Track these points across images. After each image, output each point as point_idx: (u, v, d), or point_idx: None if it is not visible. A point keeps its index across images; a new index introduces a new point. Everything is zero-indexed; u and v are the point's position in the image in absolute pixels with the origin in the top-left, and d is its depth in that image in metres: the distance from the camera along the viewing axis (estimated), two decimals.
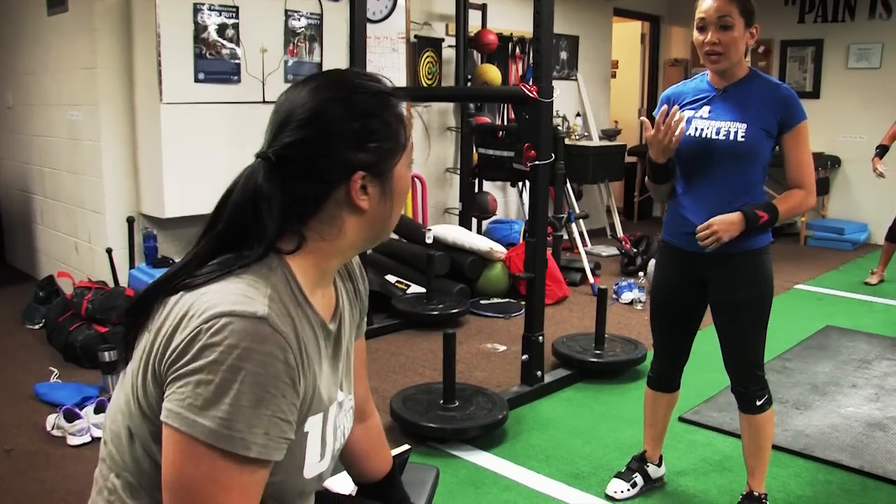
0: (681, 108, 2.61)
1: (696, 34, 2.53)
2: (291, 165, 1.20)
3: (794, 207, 2.52)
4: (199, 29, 4.48)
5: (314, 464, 1.26)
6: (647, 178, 2.74)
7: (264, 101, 4.79)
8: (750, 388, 2.64)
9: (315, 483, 1.29)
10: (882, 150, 6.03)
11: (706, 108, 2.56)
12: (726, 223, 2.44)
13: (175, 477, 1.08)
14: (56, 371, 3.99)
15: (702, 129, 2.54)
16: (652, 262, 5.82)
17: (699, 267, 2.64)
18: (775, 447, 3.01)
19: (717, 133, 2.51)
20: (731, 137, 2.48)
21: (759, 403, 2.64)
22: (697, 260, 2.62)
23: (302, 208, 1.22)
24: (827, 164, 8.10)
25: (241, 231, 1.20)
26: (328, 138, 1.20)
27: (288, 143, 1.20)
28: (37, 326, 4.81)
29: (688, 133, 2.56)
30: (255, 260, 1.17)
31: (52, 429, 3.38)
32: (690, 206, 2.60)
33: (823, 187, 8.25)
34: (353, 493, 1.66)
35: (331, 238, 1.24)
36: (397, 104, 1.27)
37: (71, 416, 3.36)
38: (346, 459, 1.60)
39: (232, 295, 1.12)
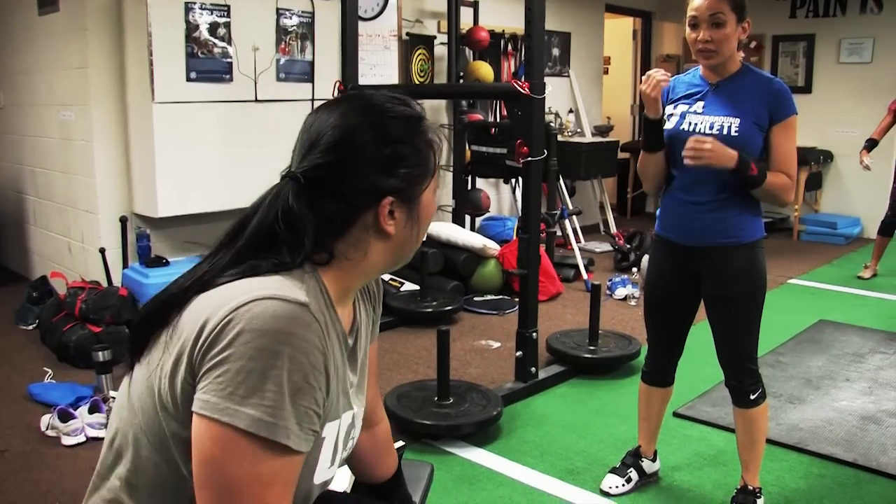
0: (674, 102, 2.63)
1: (688, 31, 2.53)
2: (320, 187, 1.20)
3: (778, 186, 2.49)
4: (191, 28, 4.47)
5: (324, 469, 1.25)
6: (640, 152, 2.71)
7: (256, 100, 4.79)
8: (744, 382, 2.65)
9: (320, 488, 1.29)
10: (871, 144, 6.08)
11: (700, 104, 2.57)
12: (721, 149, 2.39)
13: (214, 474, 1.04)
14: (50, 371, 3.98)
15: (695, 125, 2.55)
16: (646, 258, 5.83)
17: (692, 261, 2.64)
18: (769, 441, 3.02)
19: (711, 128, 2.51)
20: (725, 132, 2.48)
21: (752, 397, 2.65)
22: (691, 254, 2.63)
23: (331, 229, 1.21)
24: (819, 159, 8.12)
25: (266, 247, 1.19)
26: (358, 162, 1.20)
27: (317, 165, 1.20)
28: (30, 327, 4.80)
29: (681, 128, 2.57)
30: (286, 267, 1.16)
31: (47, 429, 3.37)
32: (685, 200, 2.61)
33: (816, 182, 8.27)
34: (350, 486, 1.66)
35: (355, 259, 1.24)
36: (428, 130, 1.28)
37: (65, 417, 3.36)
38: (352, 462, 1.60)
39: (269, 285, 1.11)
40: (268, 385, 1.03)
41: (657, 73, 2.52)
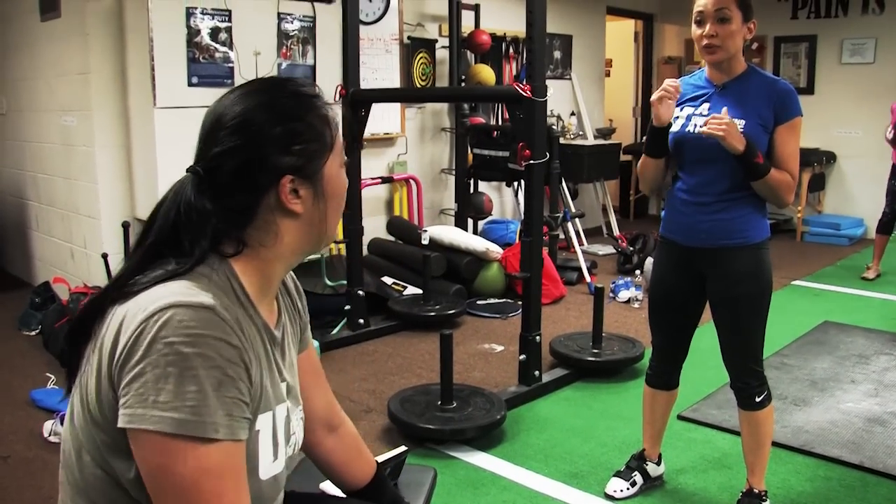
0: (680, 105, 2.62)
1: (693, 28, 2.53)
2: (220, 176, 1.21)
3: (781, 183, 2.47)
4: (192, 33, 4.47)
5: (268, 464, 1.25)
6: (642, 156, 2.71)
7: None
8: (749, 384, 2.63)
9: (272, 487, 1.27)
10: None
11: (705, 106, 2.56)
12: (735, 130, 2.39)
13: (165, 481, 1.07)
14: (52, 377, 3.97)
15: (699, 126, 2.54)
16: (649, 261, 5.82)
17: (697, 263, 2.63)
18: (775, 444, 3.00)
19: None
20: None
21: (758, 400, 2.64)
22: (696, 255, 2.62)
23: (236, 217, 1.22)
24: (822, 160, 8.11)
25: (172, 243, 1.20)
26: (253, 145, 1.21)
27: (215, 155, 1.21)
28: (33, 333, 4.80)
29: (687, 129, 2.56)
30: (189, 268, 1.17)
31: (49, 435, 3.37)
32: (690, 201, 2.60)
33: (819, 183, 8.26)
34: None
35: (269, 244, 1.25)
36: (321, 105, 1.28)
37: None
38: (328, 472, 1.60)
39: (173, 291, 1.12)
40: (187, 386, 1.05)
41: (671, 83, 2.54)
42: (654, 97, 2.55)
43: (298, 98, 1.26)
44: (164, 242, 1.20)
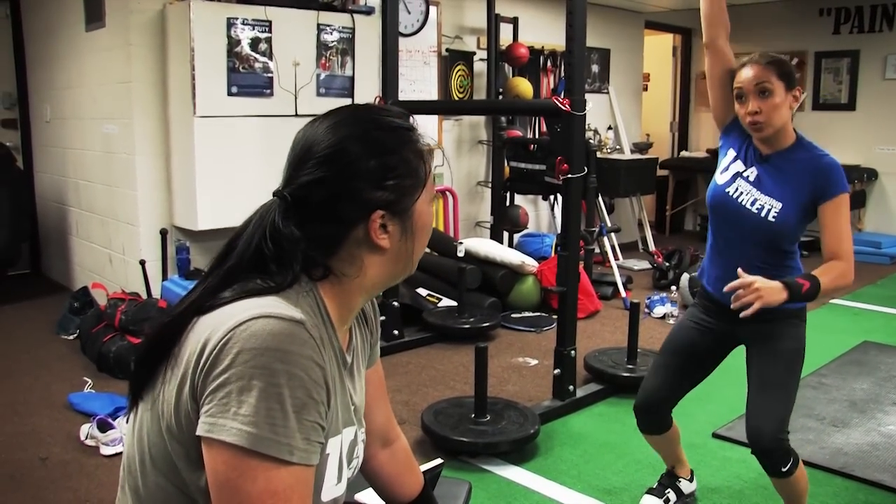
0: (738, 148, 2.55)
1: (736, 105, 2.47)
2: (309, 205, 1.19)
3: (836, 279, 2.34)
4: (233, 43, 4.52)
5: (332, 487, 1.24)
6: None
7: (296, 115, 4.82)
8: (774, 454, 2.46)
9: None
10: None
11: (753, 171, 2.48)
12: (768, 289, 2.21)
13: (232, 496, 1.05)
14: (90, 381, 4.02)
15: (740, 193, 2.47)
16: (685, 277, 5.78)
17: (735, 325, 2.50)
18: (812, 465, 2.95)
19: (752, 205, 2.43)
20: (763, 214, 2.41)
21: (784, 469, 2.48)
22: (735, 316, 2.37)
23: (322, 246, 1.20)
24: (863, 177, 8.00)
25: (255, 266, 1.18)
26: (345, 177, 1.18)
27: (305, 183, 1.19)
28: (71, 337, 4.86)
29: (727, 191, 2.50)
30: (280, 287, 1.15)
31: (86, 438, 3.40)
32: (723, 265, 2.53)
33: (859, 200, 8.15)
34: None
35: (352, 275, 1.23)
36: (417, 139, 1.26)
37: (104, 427, 3.39)
38: (376, 485, 1.59)
39: (263, 304, 1.11)
40: (271, 403, 1.04)
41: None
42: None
43: (394, 131, 1.24)
44: (247, 267, 1.18)
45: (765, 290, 2.21)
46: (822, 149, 2.47)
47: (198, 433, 1.06)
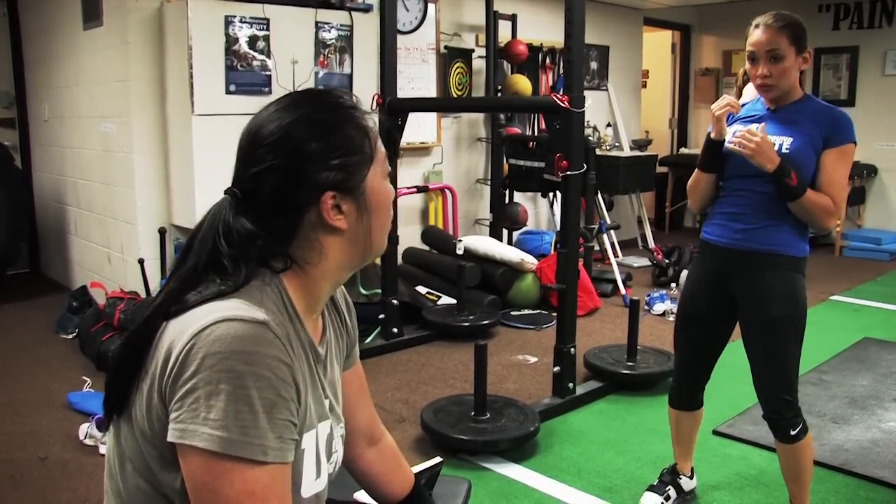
0: (731, 123, 2.60)
1: (747, 65, 2.51)
2: (260, 196, 1.18)
3: (819, 206, 2.39)
4: (231, 41, 4.50)
5: (311, 482, 1.24)
6: (694, 171, 2.67)
7: None
8: (783, 415, 2.54)
9: (316, 502, 1.27)
10: None
11: (761, 125, 2.49)
12: (768, 147, 2.35)
13: (211, 499, 1.05)
14: (89, 380, 4.01)
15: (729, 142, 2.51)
16: (684, 273, 5.77)
17: (729, 272, 2.58)
18: (813, 462, 2.94)
19: None
20: (776, 148, 2.42)
21: (793, 433, 2.54)
22: (729, 261, 2.57)
23: (279, 236, 1.20)
24: (863, 173, 7.99)
25: (214, 265, 1.17)
26: (291, 163, 1.18)
27: (253, 175, 1.19)
28: (70, 336, 4.86)
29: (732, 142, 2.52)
30: (238, 286, 1.14)
31: (85, 438, 3.40)
32: (730, 212, 2.57)
33: (859, 196, 8.15)
34: None
35: (314, 262, 1.22)
36: (360, 116, 1.25)
37: (103, 426, 3.38)
38: (367, 485, 1.58)
39: (226, 307, 1.10)
40: (239, 405, 1.04)
41: (729, 98, 2.55)
42: (717, 110, 2.52)
43: (335, 110, 1.23)
44: (205, 265, 1.18)
45: (765, 145, 2.35)
46: (831, 104, 2.53)
47: (170, 440, 1.07)
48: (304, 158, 1.18)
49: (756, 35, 2.46)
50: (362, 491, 1.63)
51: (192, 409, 1.04)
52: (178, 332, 1.09)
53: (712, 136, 2.57)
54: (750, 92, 5.63)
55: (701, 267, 2.72)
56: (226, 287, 1.14)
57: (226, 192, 1.22)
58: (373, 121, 1.27)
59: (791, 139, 2.44)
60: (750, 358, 2.61)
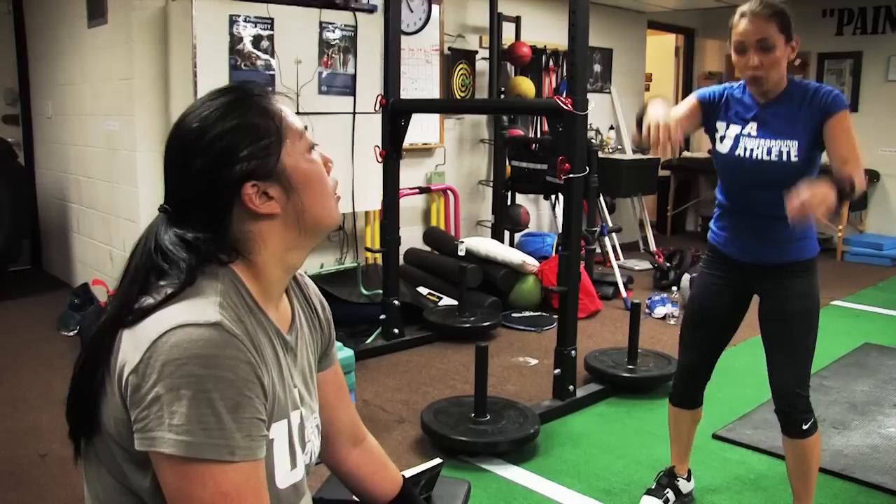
0: (726, 121, 2.55)
1: (734, 56, 2.45)
2: (185, 204, 1.20)
3: (860, 185, 2.30)
4: (235, 40, 4.51)
5: (286, 473, 1.24)
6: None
7: (298, 113, 4.78)
8: (796, 409, 2.54)
9: (292, 495, 1.27)
10: None
11: (753, 125, 2.49)
12: (820, 195, 2.09)
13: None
14: None
15: (751, 150, 2.47)
16: (686, 277, 5.78)
17: (748, 279, 2.60)
18: None
19: (769, 154, 2.44)
20: (784, 158, 2.42)
21: (804, 427, 2.54)
22: (747, 271, 2.58)
23: (214, 237, 1.20)
24: (865, 179, 7.97)
25: (156, 274, 1.18)
26: (205, 167, 1.18)
27: (176, 188, 1.22)
28: (72, 333, 4.86)
29: (737, 154, 2.50)
30: (183, 287, 1.14)
31: None
32: (745, 221, 2.57)
33: (861, 202, 8.14)
34: None
35: (256, 251, 1.23)
36: (259, 101, 1.24)
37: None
38: (355, 487, 1.58)
39: (178, 312, 1.11)
40: (202, 409, 1.05)
41: (659, 121, 2.33)
42: (651, 137, 2.33)
43: (234, 103, 1.23)
44: (144, 277, 1.18)
45: (817, 194, 2.09)
46: (814, 82, 2.50)
47: (137, 448, 1.07)
48: (215, 157, 1.18)
49: (743, 24, 2.39)
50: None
51: (156, 416, 1.05)
52: (135, 341, 1.10)
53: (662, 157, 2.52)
54: None
55: (714, 270, 2.70)
56: (175, 288, 1.14)
57: (159, 209, 1.24)
58: (274, 99, 1.27)
59: (795, 143, 2.41)
60: (768, 350, 2.60)
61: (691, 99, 2.64)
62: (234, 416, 1.07)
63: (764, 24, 2.36)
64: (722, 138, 2.55)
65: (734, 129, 2.53)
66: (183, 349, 1.05)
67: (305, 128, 1.29)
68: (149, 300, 1.14)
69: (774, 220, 2.45)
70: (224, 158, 1.18)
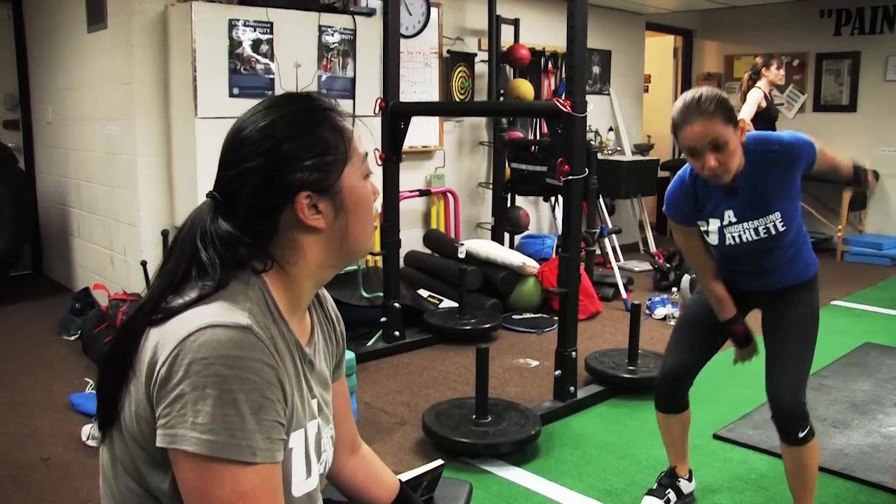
0: (704, 218, 2.56)
1: (688, 158, 2.40)
2: (238, 199, 1.21)
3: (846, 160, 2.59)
4: (234, 44, 4.52)
5: (301, 482, 1.25)
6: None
7: None
8: (794, 415, 2.53)
9: (306, 503, 1.28)
10: None
11: (729, 213, 2.49)
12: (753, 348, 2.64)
13: (204, 503, 1.07)
14: (91, 382, 4.02)
15: (738, 235, 2.50)
16: (686, 278, 5.78)
17: (749, 301, 2.70)
18: None
19: (757, 233, 2.47)
20: (773, 231, 2.46)
21: (801, 435, 2.54)
22: (749, 295, 2.69)
23: (258, 238, 1.21)
24: None
25: (194, 268, 1.19)
26: (266, 165, 1.20)
27: (230, 178, 1.22)
28: (73, 337, 4.87)
29: (727, 244, 2.53)
30: (215, 289, 1.16)
31: (87, 439, 3.41)
32: (747, 272, 2.66)
33: (860, 202, 8.14)
34: None
35: (294, 261, 1.24)
36: (334, 117, 1.27)
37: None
38: (353, 494, 1.59)
39: (209, 312, 1.12)
40: (226, 409, 1.06)
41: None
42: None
43: (309, 112, 1.26)
44: (186, 268, 1.20)
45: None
46: (768, 138, 2.46)
47: (159, 445, 1.08)
48: (278, 160, 1.20)
49: (690, 131, 2.32)
50: None
51: (180, 414, 1.06)
52: (163, 338, 1.11)
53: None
54: (754, 97, 5.64)
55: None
56: (207, 290, 1.16)
57: (207, 195, 1.25)
58: (347, 122, 1.29)
59: (777, 214, 2.44)
60: (769, 357, 2.62)
61: (680, 228, 2.67)
62: (256, 417, 1.08)
63: (710, 124, 2.30)
64: (707, 233, 2.58)
65: (714, 224, 2.54)
66: (211, 349, 1.07)
67: (366, 154, 1.31)
68: (178, 300, 1.16)
69: (772, 262, 2.57)
70: (288, 163, 1.21)
